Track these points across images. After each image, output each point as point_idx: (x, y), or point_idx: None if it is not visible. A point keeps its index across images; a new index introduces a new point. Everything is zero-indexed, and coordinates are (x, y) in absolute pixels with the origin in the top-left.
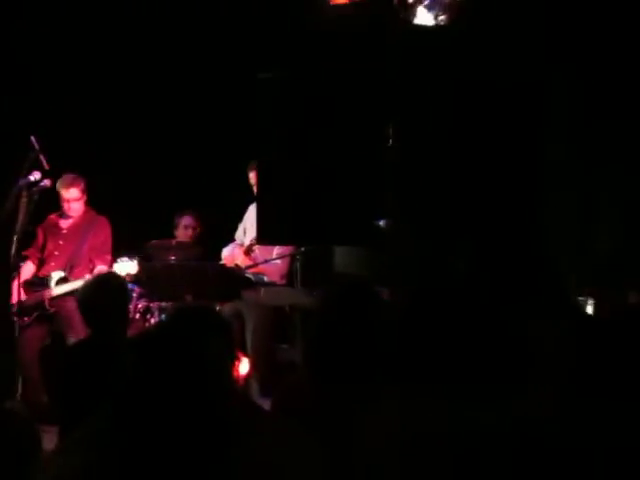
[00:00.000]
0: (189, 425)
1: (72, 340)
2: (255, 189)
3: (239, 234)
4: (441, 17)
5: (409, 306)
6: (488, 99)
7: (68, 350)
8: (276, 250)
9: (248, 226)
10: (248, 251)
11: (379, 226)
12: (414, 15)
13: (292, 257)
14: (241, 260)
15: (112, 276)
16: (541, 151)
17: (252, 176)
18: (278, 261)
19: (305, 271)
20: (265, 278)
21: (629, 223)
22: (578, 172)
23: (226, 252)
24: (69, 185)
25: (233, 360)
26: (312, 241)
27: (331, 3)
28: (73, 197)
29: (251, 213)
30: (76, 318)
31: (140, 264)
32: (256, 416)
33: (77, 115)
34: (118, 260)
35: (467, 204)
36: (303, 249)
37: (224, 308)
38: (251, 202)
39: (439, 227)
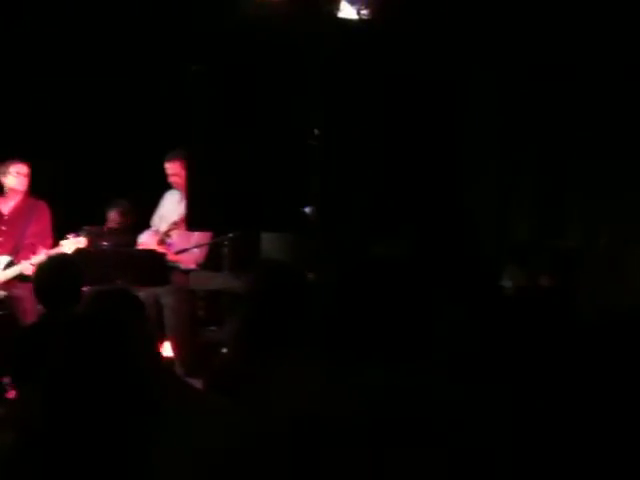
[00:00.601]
0: (113, 402)
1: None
2: (171, 179)
3: (155, 221)
4: (363, 11)
5: (338, 285)
6: (411, 90)
7: (21, 331)
8: (195, 237)
9: (164, 213)
10: (162, 241)
11: (305, 213)
12: (338, 9)
13: (219, 243)
14: (154, 248)
15: (66, 256)
16: (460, 139)
17: (168, 166)
18: (196, 250)
19: (233, 257)
20: (181, 266)
21: (544, 208)
22: (497, 159)
23: (142, 239)
24: (21, 161)
25: (154, 338)
26: (240, 227)
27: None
28: (25, 172)
29: (166, 201)
30: (27, 300)
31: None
32: (184, 392)
33: (13, 103)
34: (67, 237)
35: (393, 191)
36: (231, 235)
37: (140, 292)
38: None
39: (364, 214)
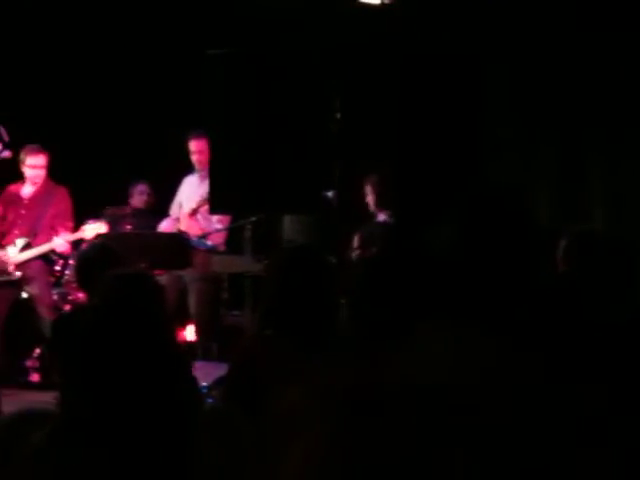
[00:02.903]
0: (131, 386)
1: (40, 306)
2: (194, 157)
3: (175, 209)
4: None
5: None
6: (430, 72)
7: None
8: (216, 217)
9: (184, 199)
10: (194, 213)
11: (327, 196)
12: None
13: (241, 226)
14: (185, 225)
15: (105, 243)
16: (481, 122)
17: (192, 144)
18: (219, 226)
19: (255, 240)
20: (209, 242)
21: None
22: (518, 135)
23: (163, 226)
24: (38, 152)
25: (170, 322)
26: (262, 210)
27: None
28: (40, 164)
29: (186, 186)
30: (42, 280)
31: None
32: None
33: (36, 89)
34: (86, 223)
35: (413, 175)
36: (253, 218)
37: (164, 275)
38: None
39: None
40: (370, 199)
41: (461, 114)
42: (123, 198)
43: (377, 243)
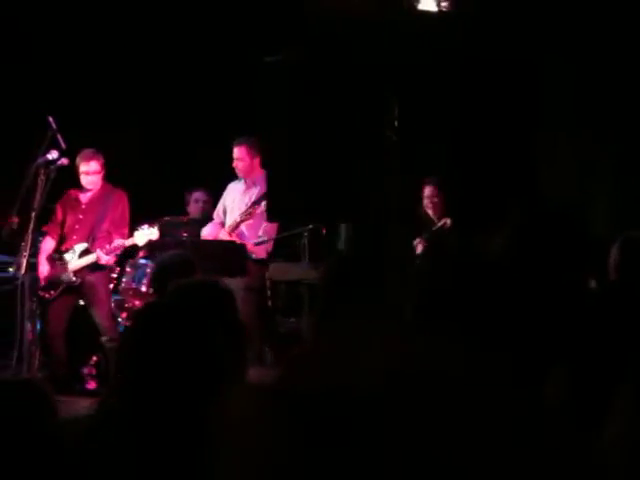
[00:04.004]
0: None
1: (97, 313)
2: (235, 164)
3: (219, 213)
4: (443, 3)
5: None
6: (488, 79)
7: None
8: (263, 227)
9: (228, 204)
10: (235, 228)
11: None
12: (418, 1)
13: (298, 234)
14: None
15: (183, 253)
16: (538, 127)
17: (235, 150)
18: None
19: (312, 248)
20: (253, 256)
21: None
22: (575, 140)
23: (206, 231)
24: (89, 158)
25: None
26: (319, 219)
27: None
28: (93, 170)
29: (230, 192)
30: (101, 289)
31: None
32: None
33: (94, 95)
34: (139, 228)
35: (470, 181)
36: (310, 226)
37: None
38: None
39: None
40: (429, 206)
41: (519, 119)
42: (182, 205)
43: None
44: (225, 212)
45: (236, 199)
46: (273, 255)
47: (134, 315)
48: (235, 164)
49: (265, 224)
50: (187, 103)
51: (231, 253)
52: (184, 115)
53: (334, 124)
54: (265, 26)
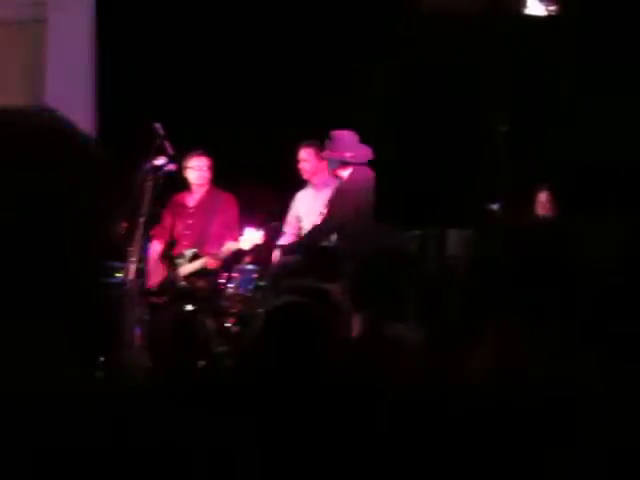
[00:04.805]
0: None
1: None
2: (300, 166)
3: (291, 222)
4: (551, 7)
5: None
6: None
7: None
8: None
9: (302, 212)
10: None
11: (491, 210)
12: (525, 5)
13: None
14: None
15: None
16: None
17: (302, 152)
18: None
19: (419, 254)
20: None
21: None
22: None
23: (281, 241)
24: (199, 155)
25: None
26: (427, 225)
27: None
28: (203, 165)
29: (301, 200)
30: (209, 294)
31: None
32: None
33: (200, 101)
34: (245, 232)
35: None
36: (417, 232)
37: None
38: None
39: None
40: (542, 212)
41: None
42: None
43: None
44: (299, 221)
45: (309, 205)
46: None
47: (268, 315)
48: (300, 166)
49: None
50: (290, 107)
51: (329, 258)
52: (288, 119)
53: (441, 129)
54: (367, 30)
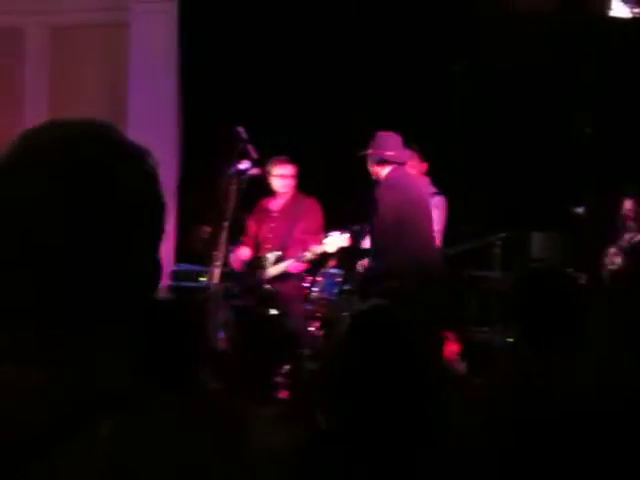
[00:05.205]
0: (401, 402)
1: (289, 319)
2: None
3: None
4: (637, 10)
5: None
6: None
7: None
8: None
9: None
10: None
11: (576, 213)
12: (609, 8)
13: (490, 243)
14: None
15: None
16: None
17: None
18: None
19: (504, 256)
20: None
21: None
22: None
23: None
24: (284, 162)
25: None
26: (511, 227)
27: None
28: (288, 173)
29: None
30: (293, 298)
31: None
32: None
33: (282, 104)
34: (329, 235)
35: None
36: (502, 234)
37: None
38: None
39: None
40: (628, 220)
41: None
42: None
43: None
44: None
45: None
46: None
47: (354, 319)
48: None
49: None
50: (374, 109)
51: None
52: (374, 121)
53: (523, 132)
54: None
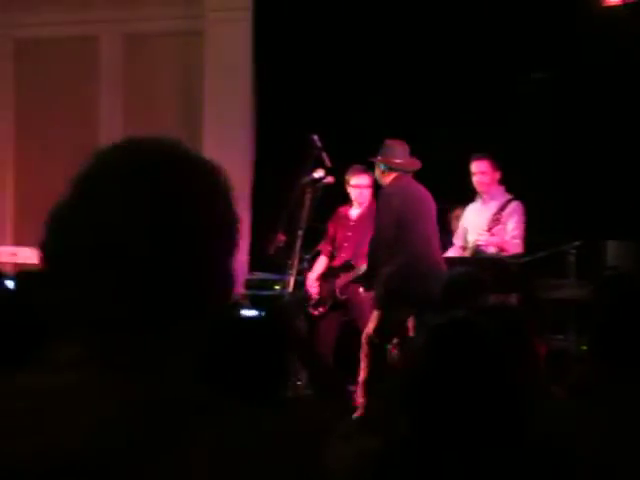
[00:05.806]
0: (482, 411)
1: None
2: (474, 178)
3: (459, 236)
4: None
5: None
6: None
7: None
8: (511, 226)
9: (468, 227)
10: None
11: None
12: None
13: (565, 251)
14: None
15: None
16: None
17: (475, 164)
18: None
19: (579, 265)
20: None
21: None
22: None
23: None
24: (360, 172)
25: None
26: (586, 235)
27: (604, 4)
28: (364, 183)
29: (469, 213)
30: (366, 305)
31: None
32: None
33: (357, 112)
34: None
35: None
36: (577, 243)
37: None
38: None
39: None
40: None
41: None
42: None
43: None
44: (465, 234)
45: (475, 218)
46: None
47: (433, 331)
48: (478, 179)
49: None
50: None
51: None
52: (451, 132)
53: (599, 138)
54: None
